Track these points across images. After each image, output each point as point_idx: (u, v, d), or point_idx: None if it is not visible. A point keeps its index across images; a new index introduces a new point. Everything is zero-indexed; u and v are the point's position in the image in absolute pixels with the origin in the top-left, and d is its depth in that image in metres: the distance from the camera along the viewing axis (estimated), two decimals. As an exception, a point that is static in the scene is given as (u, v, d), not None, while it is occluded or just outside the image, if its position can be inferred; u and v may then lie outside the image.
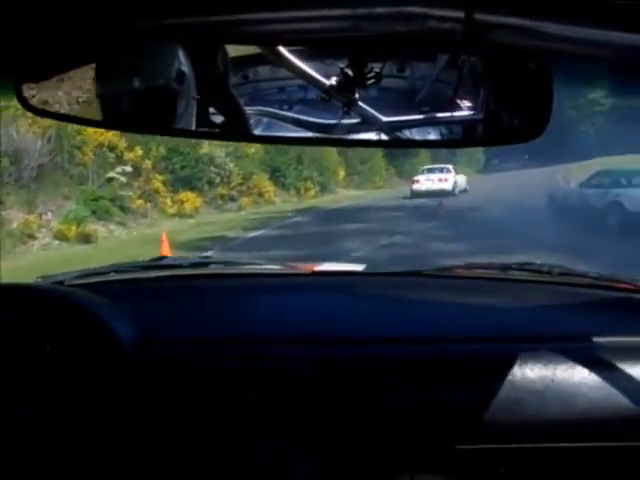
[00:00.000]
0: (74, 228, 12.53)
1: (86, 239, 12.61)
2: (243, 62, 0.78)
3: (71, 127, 12.19)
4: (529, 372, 1.06)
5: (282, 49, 0.71)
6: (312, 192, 21.66)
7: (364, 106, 0.76)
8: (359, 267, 1.84)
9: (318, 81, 0.74)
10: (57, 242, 12.31)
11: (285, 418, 1.07)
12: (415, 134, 0.80)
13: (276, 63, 0.75)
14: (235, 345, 1.14)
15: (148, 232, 13.64)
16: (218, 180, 17.96)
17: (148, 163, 16.09)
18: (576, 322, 1.21)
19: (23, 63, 0.70)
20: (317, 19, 0.62)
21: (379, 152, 24.46)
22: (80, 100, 0.74)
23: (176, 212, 16.10)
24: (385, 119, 0.78)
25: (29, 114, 0.79)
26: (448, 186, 19.65)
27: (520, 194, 15.20)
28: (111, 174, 14.95)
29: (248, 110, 0.79)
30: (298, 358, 1.10)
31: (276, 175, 20.59)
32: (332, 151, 21.30)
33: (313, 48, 0.72)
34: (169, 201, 16.16)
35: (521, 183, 19.33)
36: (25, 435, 1.00)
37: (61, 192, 13.80)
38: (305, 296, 1.39)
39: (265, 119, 0.83)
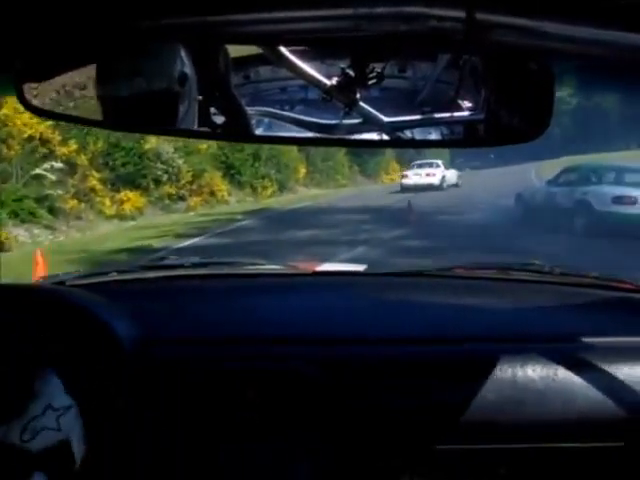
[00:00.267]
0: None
1: (-3, 246, 10.40)
2: (244, 62, 0.78)
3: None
4: (530, 372, 1.06)
5: (283, 49, 0.71)
6: (270, 191, 19.90)
7: (365, 106, 0.76)
8: (360, 267, 1.85)
9: (319, 81, 0.74)
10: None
11: (285, 418, 1.07)
12: (416, 134, 0.80)
13: (277, 63, 0.75)
14: (235, 345, 1.14)
15: (78, 236, 12.14)
16: (165, 178, 16.05)
17: (84, 159, 14.29)
18: (577, 322, 1.21)
19: (24, 63, 0.70)
20: (318, 19, 0.62)
21: (342, 149, 21.71)
22: (81, 100, 0.74)
23: (115, 213, 14.41)
24: (386, 119, 0.78)
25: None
26: (435, 181, 19.65)
27: (489, 194, 14.65)
28: (37, 171, 12.98)
29: (249, 110, 0.79)
30: (298, 358, 1.10)
31: (231, 173, 18.82)
32: (292, 148, 18.43)
33: (314, 48, 0.73)
34: (107, 201, 14.46)
35: (486, 181, 18.97)
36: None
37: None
38: (306, 296, 1.39)
39: (266, 119, 0.83)
